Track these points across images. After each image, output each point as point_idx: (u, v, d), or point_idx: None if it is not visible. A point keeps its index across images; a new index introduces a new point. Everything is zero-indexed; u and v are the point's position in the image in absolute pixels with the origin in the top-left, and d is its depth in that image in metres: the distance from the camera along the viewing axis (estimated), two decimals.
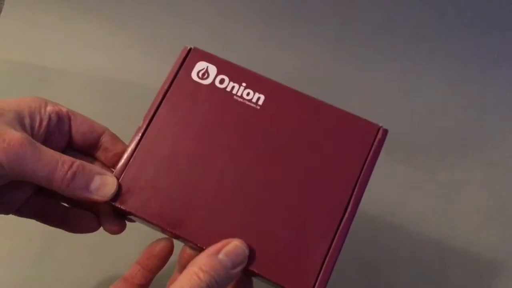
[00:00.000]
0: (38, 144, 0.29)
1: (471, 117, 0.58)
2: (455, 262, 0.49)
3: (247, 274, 0.31)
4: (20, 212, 0.33)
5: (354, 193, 0.31)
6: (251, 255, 0.29)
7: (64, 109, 0.33)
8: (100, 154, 0.35)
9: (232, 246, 0.28)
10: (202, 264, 0.27)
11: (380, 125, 0.32)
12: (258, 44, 0.62)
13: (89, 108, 0.61)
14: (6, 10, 0.64)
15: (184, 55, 0.34)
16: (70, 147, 0.34)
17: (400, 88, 0.60)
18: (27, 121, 0.31)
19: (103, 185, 0.30)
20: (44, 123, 0.32)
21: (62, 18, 0.64)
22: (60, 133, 0.33)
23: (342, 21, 0.60)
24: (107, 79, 0.61)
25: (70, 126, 0.34)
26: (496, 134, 0.57)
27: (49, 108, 0.32)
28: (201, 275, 0.26)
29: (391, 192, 0.52)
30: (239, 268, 0.28)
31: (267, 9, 0.62)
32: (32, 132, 0.31)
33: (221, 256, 0.28)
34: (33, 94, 0.60)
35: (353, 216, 0.30)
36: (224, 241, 0.29)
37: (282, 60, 0.61)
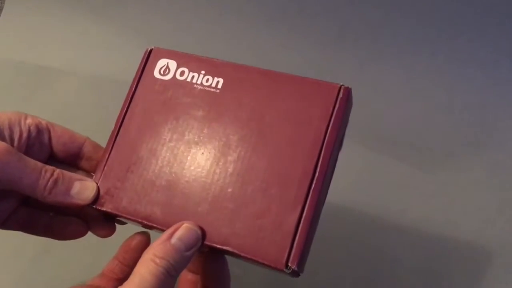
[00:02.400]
0: (21, 154, 0.30)
1: (472, 117, 0.58)
2: (455, 262, 0.49)
3: (221, 253, 0.31)
4: (6, 225, 0.34)
5: (321, 157, 0.29)
6: (223, 235, 0.29)
7: (43, 122, 0.34)
8: (84, 163, 0.36)
9: (183, 229, 0.29)
10: (156, 251, 0.27)
11: (341, 84, 0.31)
12: (258, 44, 0.62)
13: (89, 108, 0.61)
14: (6, 10, 0.64)
15: (146, 56, 0.35)
16: (53, 159, 0.35)
17: (400, 88, 0.60)
18: (6, 132, 0.32)
19: (83, 189, 0.32)
20: (24, 135, 0.33)
21: (62, 18, 0.64)
22: (41, 145, 0.34)
23: (342, 20, 0.60)
24: (107, 79, 0.61)
25: (50, 138, 0.35)
26: (497, 134, 0.57)
27: (28, 120, 0.33)
28: (157, 261, 0.27)
29: (391, 192, 0.52)
30: (193, 250, 0.29)
31: (267, 8, 0.62)
32: (11, 144, 0.32)
33: (173, 240, 0.28)
34: (33, 94, 0.60)
35: (322, 182, 0.29)
36: (175, 226, 0.29)
37: (282, 60, 0.61)
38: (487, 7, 0.57)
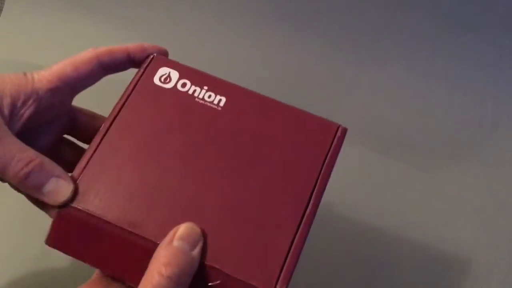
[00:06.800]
0: (1, 133, 0.29)
1: (471, 117, 0.58)
2: (454, 262, 0.49)
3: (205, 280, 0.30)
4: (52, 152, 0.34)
5: (316, 189, 0.31)
6: (212, 253, 0.29)
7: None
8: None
9: (183, 229, 0.28)
10: (161, 257, 0.26)
11: (339, 124, 0.33)
12: (257, 44, 0.62)
13: (89, 108, 0.61)
14: (6, 10, 0.64)
15: (147, 62, 0.35)
16: (74, 135, 0.36)
17: (400, 88, 0.60)
18: (6, 100, 0.30)
19: (56, 190, 0.29)
20: (30, 101, 0.31)
21: (62, 18, 0.64)
22: (61, 106, 0.33)
23: (342, 20, 0.60)
24: (107, 79, 0.61)
25: (75, 112, 0.35)
26: (496, 134, 0.57)
27: (40, 84, 0.31)
28: (163, 270, 0.26)
29: (391, 192, 0.52)
30: (198, 248, 0.28)
31: (266, 9, 0.62)
32: (12, 111, 0.30)
33: (175, 242, 0.27)
34: None
35: (315, 210, 0.30)
36: (173, 229, 0.28)
37: (280, 62, 0.61)
38: (487, 7, 0.57)
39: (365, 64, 0.60)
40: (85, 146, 0.38)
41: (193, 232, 0.28)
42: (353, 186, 0.52)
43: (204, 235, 0.29)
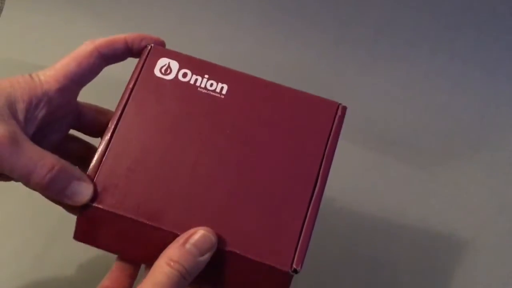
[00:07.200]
0: (21, 142, 0.29)
1: (471, 117, 0.58)
2: (455, 262, 0.49)
3: (221, 263, 0.31)
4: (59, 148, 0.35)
5: (321, 169, 0.32)
6: (227, 236, 0.30)
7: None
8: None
9: (199, 235, 0.29)
10: (172, 255, 0.28)
11: (339, 103, 0.33)
12: (257, 45, 0.62)
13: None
14: (6, 10, 0.64)
15: (146, 54, 0.35)
16: (80, 129, 0.36)
17: (400, 88, 0.60)
18: (19, 106, 0.30)
19: (78, 192, 0.30)
20: (41, 104, 0.31)
21: (62, 18, 0.64)
22: (69, 104, 0.34)
23: (342, 22, 0.60)
24: (107, 79, 0.61)
25: (80, 107, 0.35)
26: (496, 134, 0.57)
27: (48, 86, 0.32)
28: (172, 264, 0.28)
29: (391, 191, 0.52)
30: (207, 255, 0.29)
31: (267, 10, 0.62)
32: (26, 116, 0.30)
33: (188, 246, 0.29)
34: None
35: (323, 190, 0.32)
36: (191, 231, 0.29)
37: (282, 62, 0.61)
38: (487, 7, 0.57)
39: (365, 64, 0.60)
40: (89, 139, 0.38)
41: (207, 241, 0.29)
42: (353, 186, 0.52)
43: (219, 239, 0.30)
